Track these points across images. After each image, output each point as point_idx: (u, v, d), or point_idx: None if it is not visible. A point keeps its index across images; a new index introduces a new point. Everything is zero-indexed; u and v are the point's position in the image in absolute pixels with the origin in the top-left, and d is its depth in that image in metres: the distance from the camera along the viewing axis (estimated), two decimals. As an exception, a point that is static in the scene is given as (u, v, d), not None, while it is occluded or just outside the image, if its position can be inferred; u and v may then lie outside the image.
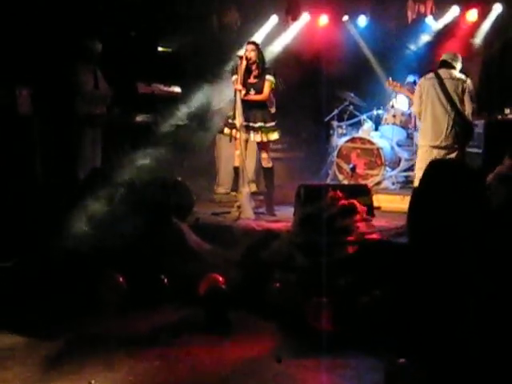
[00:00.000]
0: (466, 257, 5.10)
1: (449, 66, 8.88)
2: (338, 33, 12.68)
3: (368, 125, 11.63)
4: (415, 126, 10.98)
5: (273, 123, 8.87)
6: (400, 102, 11.41)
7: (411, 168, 10.53)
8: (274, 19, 12.42)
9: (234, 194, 9.19)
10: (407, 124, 11.35)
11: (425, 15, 12.16)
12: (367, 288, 6.11)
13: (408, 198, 6.43)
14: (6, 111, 9.03)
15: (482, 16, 11.94)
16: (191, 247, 7.44)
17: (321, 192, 7.78)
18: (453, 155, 8.75)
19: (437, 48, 11.57)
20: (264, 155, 9.02)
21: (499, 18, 11.86)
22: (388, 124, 11.48)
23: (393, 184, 10.97)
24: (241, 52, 8.88)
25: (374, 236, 7.15)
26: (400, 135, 11.40)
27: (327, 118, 12.09)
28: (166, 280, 6.90)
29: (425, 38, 12.47)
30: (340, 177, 10.98)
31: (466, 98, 8.76)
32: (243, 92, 8.64)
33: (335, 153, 11.19)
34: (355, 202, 7.47)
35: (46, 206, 7.69)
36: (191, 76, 11.02)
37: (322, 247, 6.60)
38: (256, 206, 9.02)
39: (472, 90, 8.85)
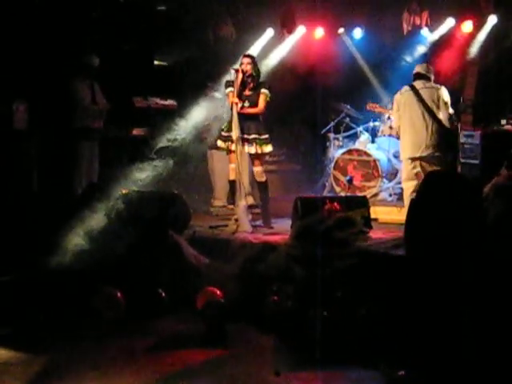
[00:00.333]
0: (463, 268, 5.10)
1: (423, 77, 9.04)
2: (333, 45, 12.71)
3: (364, 137, 11.65)
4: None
5: (266, 135, 8.86)
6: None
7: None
8: (269, 32, 12.43)
9: (231, 207, 9.18)
10: (403, 135, 11.36)
11: (420, 27, 12.20)
12: (365, 300, 6.10)
13: (405, 210, 6.43)
14: (3, 126, 9.04)
15: (478, 27, 11.98)
16: (188, 261, 7.42)
17: (318, 204, 7.80)
18: (436, 164, 8.83)
19: (433, 59, 11.59)
20: (258, 168, 8.95)
21: (494, 29, 11.90)
22: (384, 136, 11.50)
23: (390, 196, 10.97)
24: (237, 65, 8.89)
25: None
26: (397, 147, 11.34)
27: (324, 130, 12.11)
28: (163, 294, 6.89)
29: (420, 50, 12.50)
30: (337, 189, 10.99)
31: (442, 105, 8.88)
32: (239, 105, 8.64)
33: (332, 165, 11.20)
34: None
35: (42, 220, 7.67)
36: (187, 89, 11.03)
37: (320, 259, 6.59)
38: (253, 218, 9.00)
39: (447, 97, 8.98)
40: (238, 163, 8.61)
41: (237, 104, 8.61)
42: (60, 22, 9.68)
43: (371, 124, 11.77)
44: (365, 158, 10.98)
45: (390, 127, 11.37)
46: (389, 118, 11.46)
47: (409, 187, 8.99)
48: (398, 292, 5.73)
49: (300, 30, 12.56)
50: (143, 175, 8.75)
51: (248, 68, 8.73)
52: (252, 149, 8.75)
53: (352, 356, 5.55)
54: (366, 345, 5.60)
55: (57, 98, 9.52)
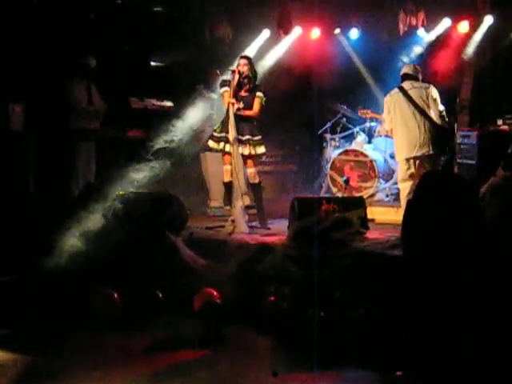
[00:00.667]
0: (460, 268, 5.10)
1: (411, 77, 9.10)
2: (330, 46, 12.70)
3: (361, 137, 11.65)
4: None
5: (259, 136, 8.85)
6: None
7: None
8: (265, 33, 12.43)
9: (227, 208, 9.17)
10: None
11: (416, 27, 12.20)
12: (362, 300, 6.10)
13: (401, 210, 6.44)
14: (0, 127, 9.04)
15: (474, 28, 11.98)
16: (185, 262, 7.41)
17: (315, 205, 7.80)
18: (431, 163, 8.87)
19: (429, 60, 11.62)
20: (251, 170, 8.91)
21: (490, 29, 11.90)
22: (381, 136, 11.51)
23: (386, 196, 10.99)
24: (233, 66, 8.89)
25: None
26: (393, 147, 11.37)
27: (320, 131, 12.11)
28: (160, 295, 6.87)
29: (417, 50, 12.48)
30: (334, 189, 10.99)
31: (431, 103, 8.94)
32: (236, 106, 8.62)
33: (328, 165, 11.20)
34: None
35: (40, 221, 7.66)
36: (184, 90, 11.03)
37: (317, 260, 6.59)
38: (250, 219, 8.99)
39: (436, 95, 9.05)
40: (234, 164, 8.61)
41: (233, 105, 8.59)
42: (57, 22, 9.68)
43: (368, 124, 11.77)
44: (361, 158, 10.99)
45: (387, 128, 11.39)
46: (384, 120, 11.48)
47: (405, 188, 9.02)
48: (395, 292, 5.73)
49: (296, 31, 12.55)
50: (140, 176, 8.73)
51: (245, 69, 8.72)
52: (245, 150, 8.73)
53: (350, 356, 5.55)
54: (363, 345, 5.59)
55: (53, 99, 9.52)
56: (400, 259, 6.25)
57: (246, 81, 8.75)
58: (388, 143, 11.23)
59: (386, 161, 11.27)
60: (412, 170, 8.97)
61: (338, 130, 12.00)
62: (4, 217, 7.85)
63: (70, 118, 9.61)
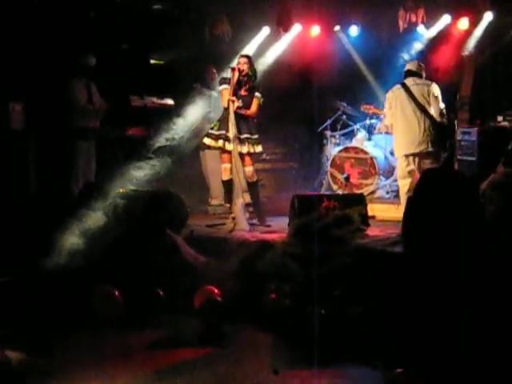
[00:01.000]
0: (461, 265, 5.10)
1: (414, 74, 9.12)
2: (329, 43, 12.68)
3: (361, 134, 11.64)
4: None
5: (257, 135, 8.86)
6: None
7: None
8: (265, 30, 12.40)
9: (228, 205, 9.18)
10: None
11: (416, 24, 12.18)
12: (362, 297, 6.10)
13: (402, 207, 6.44)
14: (0, 126, 9.03)
15: (474, 24, 11.97)
16: (186, 260, 7.42)
17: (315, 202, 7.80)
18: (431, 160, 8.89)
19: (429, 57, 11.61)
20: (249, 168, 8.90)
21: (490, 25, 11.89)
22: (381, 133, 11.50)
23: (387, 193, 10.99)
24: (233, 64, 8.89)
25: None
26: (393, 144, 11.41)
27: (320, 128, 12.10)
28: (161, 293, 6.88)
29: (417, 47, 12.46)
30: (334, 187, 10.98)
31: (433, 101, 8.96)
32: (236, 104, 8.62)
33: (329, 163, 11.19)
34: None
35: (40, 220, 7.67)
36: (183, 88, 11.02)
37: (317, 257, 6.59)
38: (250, 217, 8.99)
39: (438, 93, 9.06)
40: (234, 162, 8.62)
41: (234, 102, 8.59)
42: (57, 21, 9.67)
43: (368, 121, 11.76)
44: (362, 155, 10.98)
45: (387, 125, 11.36)
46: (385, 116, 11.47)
47: (404, 185, 9.04)
48: (395, 289, 5.73)
49: (296, 28, 12.53)
50: (140, 174, 8.74)
51: (245, 67, 8.72)
52: (244, 148, 8.74)
53: (350, 354, 5.55)
54: (364, 342, 5.60)
55: (53, 97, 9.52)
56: (400, 256, 6.25)
57: (245, 79, 8.75)
58: (388, 140, 11.23)
59: (386, 158, 11.26)
60: (411, 166, 8.99)
61: (338, 127, 12.00)
62: (4, 216, 7.85)
63: (70, 116, 9.62)
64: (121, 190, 8.23)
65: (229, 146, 8.65)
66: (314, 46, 12.53)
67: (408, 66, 9.36)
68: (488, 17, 11.83)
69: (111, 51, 10.97)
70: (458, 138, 10.19)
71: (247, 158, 8.83)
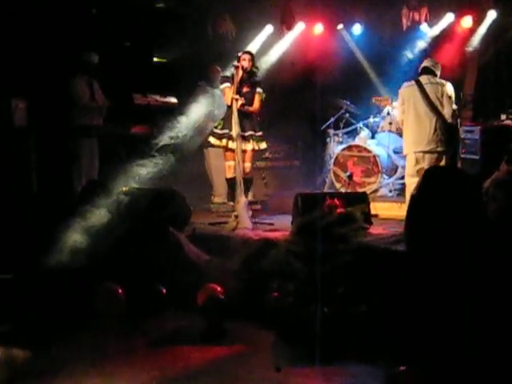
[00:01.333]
0: (464, 263, 5.09)
1: (430, 72, 9.08)
2: (333, 41, 12.69)
3: (364, 132, 11.62)
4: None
5: (261, 132, 8.88)
6: (396, 109, 11.38)
7: (408, 175, 10.52)
8: (268, 29, 12.42)
9: (231, 203, 9.18)
10: (403, 131, 11.33)
11: (419, 22, 12.19)
12: (365, 296, 6.10)
13: (405, 205, 6.43)
14: (2, 123, 9.03)
15: (477, 22, 11.97)
16: (189, 257, 7.42)
17: (318, 200, 7.80)
18: (438, 159, 8.87)
19: (432, 55, 11.58)
20: (247, 164, 8.95)
21: (494, 24, 11.89)
22: (384, 131, 11.48)
23: (390, 191, 10.97)
24: (235, 62, 8.90)
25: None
26: (396, 142, 11.37)
27: (323, 127, 12.09)
28: (164, 290, 6.88)
29: (420, 45, 12.47)
30: (337, 185, 10.98)
31: (446, 101, 8.92)
32: (240, 102, 8.63)
33: (332, 161, 11.18)
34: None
35: (42, 218, 7.67)
36: (187, 86, 11.03)
37: (320, 255, 6.58)
38: (253, 215, 8.99)
39: (452, 93, 9.02)
40: (237, 160, 8.62)
41: (237, 101, 8.60)
42: (59, 19, 9.68)
43: (371, 120, 11.75)
44: (365, 153, 10.97)
45: (390, 123, 11.35)
46: (388, 113, 11.45)
47: (411, 183, 8.99)
48: (398, 288, 5.72)
49: (299, 26, 12.55)
50: (143, 172, 8.75)
51: (248, 64, 8.73)
52: (249, 145, 8.77)
53: (353, 352, 5.56)
54: (366, 340, 5.60)
55: (56, 95, 9.52)
56: (403, 254, 6.24)
57: (247, 76, 8.75)
58: (391, 138, 11.23)
59: (389, 156, 11.24)
60: (420, 165, 8.92)
61: (341, 125, 11.97)
62: (7, 214, 7.86)
63: (72, 114, 9.64)
64: (124, 188, 8.23)
65: (232, 145, 8.67)
66: (317, 45, 12.55)
67: (424, 63, 9.30)
68: (491, 15, 11.83)
69: (114, 49, 10.99)
70: (461, 136, 10.17)
71: (249, 155, 8.86)
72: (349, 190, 10.33)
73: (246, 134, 8.72)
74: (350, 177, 10.49)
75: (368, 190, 10.42)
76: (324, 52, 12.33)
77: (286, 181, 11.46)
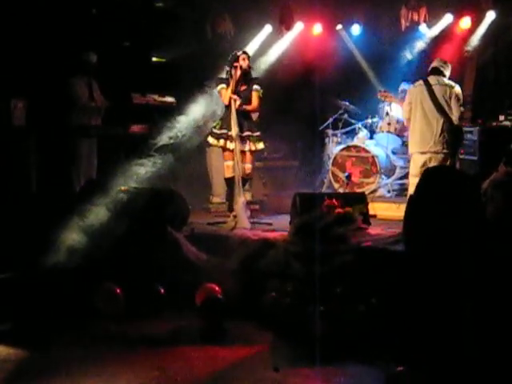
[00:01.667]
0: (462, 263, 5.10)
1: (438, 72, 9.05)
2: (331, 41, 12.71)
3: (363, 133, 11.63)
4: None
5: (258, 132, 8.87)
6: (395, 110, 11.39)
7: (406, 176, 10.50)
8: (267, 29, 12.44)
9: (229, 203, 9.18)
10: (402, 132, 11.33)
11: (418, 23, 12.20)
12: (364, 296, 6.11)
13: (404, 206, 6.43)
14: (2, 123, 9.04)
15: (476, 23, 11.99)
16: (187, 257, 7.41)
17: (317, 201, 7.80)
18: (443, 161, 8.86)
19: (431, 55, 11.59)
20: (248, 165, 8.94)
21: (492, 25, 11.90)
22: (383, 132, 11.49)
23: (388, 192, 10.98)
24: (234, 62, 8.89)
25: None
26: (395, 143, 11.41)
27: (322, 127, 12.10)
28: (162, 290, 6.88)
29: (419, 46, 12.49)
30: (335, 185, 10.99)
31: (453, 103, 8.90)
32: (238, 102, 8.63)
33: (330, 161, 11.19)
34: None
35: (41, 217, 7.66)
36: (185, 86, 11.03)
37: (319, 256, 6.59)
38: (252, 215, 9.00)
39: (460, 96, 9.00)
40: (236, 160, 8.62)
41: (235, 101, 8.60)
42: (58, 18, 9.68)
43: (369, 120, 11.75)
44: (363, 154, 10.98)
45: (389, 123, 11.36)
46: (387, 114, 11.45)
47: (413, 183, 8.99)
48: (397, 288, 5.73)
49: (298, 27, 12.57)
50: (142, 172, 8.75)
51: (246, 64, 8.73)
52: (246, 146, 8.76)
53: (351, 352, 5.55)
54: (365, 341, 5.60)
55: (55, 95, 9.53)
56: (402, 255, 6.25)
57: (244, 75, 8.76)
58: (390, 139, 11.25)
59: (387, 156, 11.25)
60: (425, 166, 8.89)
61: (340, 125, 11.99)
62: (6, 213, 7.85)
63: (71, 114, 9.64)
64: (123, 188, 8.22)
65: (230, 145, 8.66)
66: (316, 45, 12.57)
67: (434, 63, 9.27)
68: (490, 16, 11.85)
69: (113, 49, 10.99)
70: (460, 137, 10.19)
71: (248, 155, 8.86)
72: (347, 191, 10.35)
73: (244, 134, 8.72)
74: (349, 177, 10.51)
75: (366, 190, 10.42)
76: (323, 52, 12.34)
77: (284, 181, 11.48)
